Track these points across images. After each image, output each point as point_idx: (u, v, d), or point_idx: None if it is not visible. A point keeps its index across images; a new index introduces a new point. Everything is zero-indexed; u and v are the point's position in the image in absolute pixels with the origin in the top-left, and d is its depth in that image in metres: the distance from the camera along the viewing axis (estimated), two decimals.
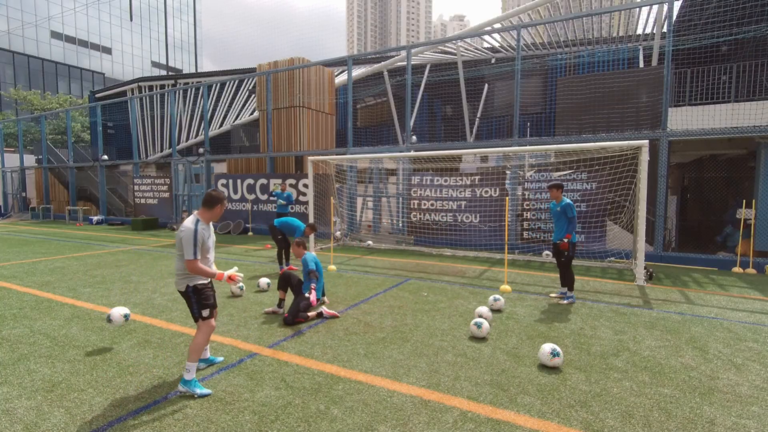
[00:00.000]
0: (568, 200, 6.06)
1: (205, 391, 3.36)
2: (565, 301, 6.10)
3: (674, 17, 9.98)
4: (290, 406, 3.18)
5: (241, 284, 6.47)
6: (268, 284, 6.80)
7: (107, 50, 56.01)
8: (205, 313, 3.51)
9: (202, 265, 3.37)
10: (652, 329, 4.97)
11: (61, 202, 22.30)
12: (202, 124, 21.28)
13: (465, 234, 11.13)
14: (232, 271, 3.48)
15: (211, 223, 3.62)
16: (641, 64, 14.09)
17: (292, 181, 14.12)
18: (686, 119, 10.01)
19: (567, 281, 6.21)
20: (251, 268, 8.70)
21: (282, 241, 7.98)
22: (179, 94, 24.57)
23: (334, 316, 5.36)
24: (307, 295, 5.20)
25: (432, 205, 11.58)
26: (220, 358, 4.01)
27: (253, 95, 22.40)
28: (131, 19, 58.98)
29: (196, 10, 69.31)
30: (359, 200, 13.77)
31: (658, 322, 5.23)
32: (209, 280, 3.58)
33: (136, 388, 3.46)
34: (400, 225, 12.88)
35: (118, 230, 16.52)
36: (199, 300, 3.51)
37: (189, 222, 3.41)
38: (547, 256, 9.66)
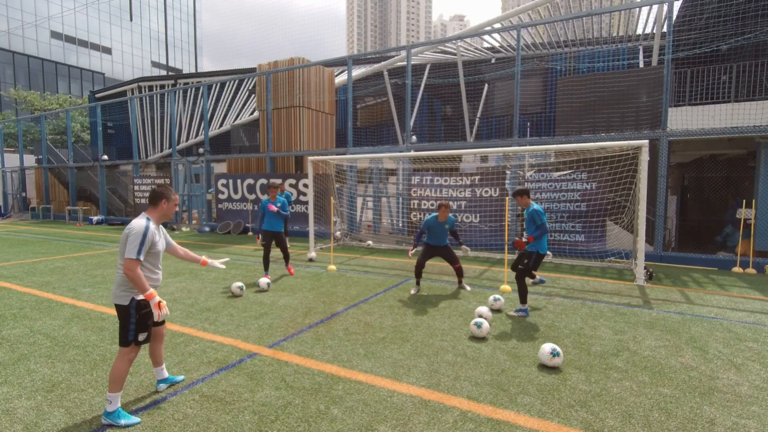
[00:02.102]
0: (537, 206, 5.52)
1: (132, 420, 2.95)
2: (516, 313, 5.46)
3: (674, 17, 9.99)
4: (290, 406, 3.18)
5: (240, 284, 6.47)
6: (268, 284, 6.80)
7: (107, 50, 56.01)
8: (141, 337, 3.06)
9: (140, 272, 2.94)
10: (652, 329, 4.97)
11: (61, 202, 22.30)
12: (202, 124, 21.28)
13: (465, 234, 11.13)
14: (157, 300, 2.98)
15: (161, 227, 3.29)
16: (641, 64, 14.09)
17: (293, 181, 14.12)
18: (686, 119, 10.01)
19: (521, 291, 5.52)
20: (251, 268, 8.70)
21: (268, 246, 7.55)
22: (179, 94, 24.56)
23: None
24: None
25: (432, 205, 11.58)
26: (181, 377, 3.61)
27: (253, 95, 22.39)
28: (131, 19, 58.98)
29: (196, 9, 69.33)
30: (359, 200, 13.77)
31: (658, 322, 5.23)
32: None
33: (136, 388, 3.46)
34: (400, 225, 12.88)
35: (118, 230, 16.52)
36: (141, 320, 3.05)
37: (139, 219, 3.08)
38: (548, 256, 9.66)
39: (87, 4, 52.66)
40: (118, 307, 3.04)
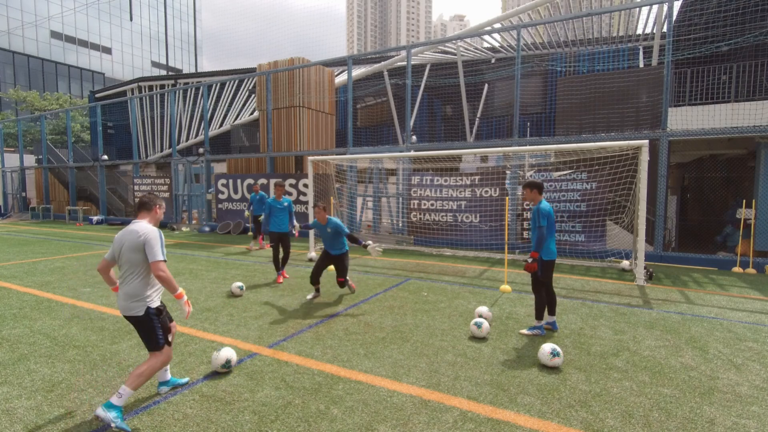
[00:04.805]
0: (545, 204, 4.67)
1: (125, 427, 2.82)
2: (528, 332, 4.77)
3: (674, 17, 9.98)
4: (290, 406, 3.18)
5: (240, 284, 6.47)
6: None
7: (107, 50, 56.02)
8: (170, 337, 3.17)
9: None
10: (652, 329, 4.97)
11: (61, 202, 22.29)
12: (202, 124, 21.27)
13: (465, 234, 11.13)
14: (186, 297, 3.14)
15: None
16: (641, 64, 14.09)
17: (293, 181, 14.12)
18: (686, 119, 10.01)
19: (537, 305, 4.82)
20: (251, 268, 8.70)
21: (276, 248, 7.49)
22: (179, 94, 24.56)
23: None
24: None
25: (432, 205, 11.58)
26: (185, 379, 3.55)
27: (253, 95, 22.40)
28: (131, 19, 58.98)
29: (196, 9, 69.34)
30: (359, 200, 13.76)
31: (658, 322, 5.23)
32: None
33: None
34: (400, 225, 12.88)
35: (118, 230, 16.48)
36: (163, 323, 3.12)
37: (145, 224, 3.06)
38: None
39: (87, 4, 52.66)
40: (135, 319, 3.02)
